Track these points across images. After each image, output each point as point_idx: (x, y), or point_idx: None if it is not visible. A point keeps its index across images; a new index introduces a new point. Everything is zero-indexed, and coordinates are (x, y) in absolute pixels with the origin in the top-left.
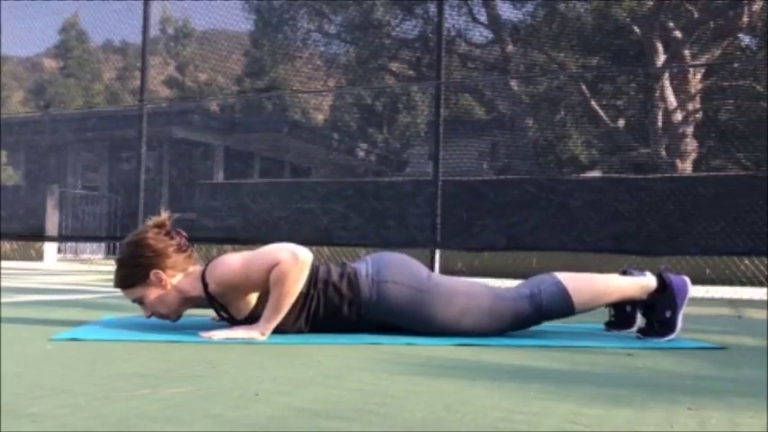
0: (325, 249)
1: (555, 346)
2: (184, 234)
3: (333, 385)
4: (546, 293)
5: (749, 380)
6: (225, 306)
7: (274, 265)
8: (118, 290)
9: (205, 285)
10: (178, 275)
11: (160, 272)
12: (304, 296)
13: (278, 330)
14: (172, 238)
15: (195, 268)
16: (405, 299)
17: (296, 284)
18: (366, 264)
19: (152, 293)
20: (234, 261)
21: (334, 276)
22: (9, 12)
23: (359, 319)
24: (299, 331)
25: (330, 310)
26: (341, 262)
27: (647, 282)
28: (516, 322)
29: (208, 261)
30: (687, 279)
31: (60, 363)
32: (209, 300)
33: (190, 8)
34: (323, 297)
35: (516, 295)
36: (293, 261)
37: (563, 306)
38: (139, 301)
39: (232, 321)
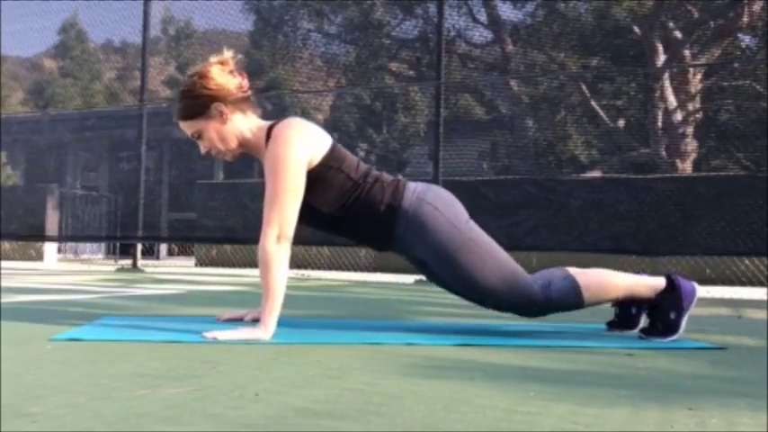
0: (326, 249)
1: (555, 346)
2: (246, 75)
3: (333, 385)
4: (556, 286)
5: (749, 380)
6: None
7: (263, 228)
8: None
9: (269, 138)
10: (238, 114)
11: (222, 105)
12: (352, 184)
13: (313, 212)
14: (235, 76)
15: (256, 116)
16: (439, 228)
17: (275, 276)
18: (417, 184)
19: (212, 127)
20: (284, 173)
21: (386, 178)
22: (9, 12)
23: (389, 228)
24: (333, 217)
25: (368, 206)
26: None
27: (657, 282)
28: (525, 306)
29: (278, 120)
30: (696, 285)
31: (60, 363)
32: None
33: (190, 8)
34: (367, 190)
35: (531, 281)
36: (271, 245)
37: (572, 300)
38: (198, 135)
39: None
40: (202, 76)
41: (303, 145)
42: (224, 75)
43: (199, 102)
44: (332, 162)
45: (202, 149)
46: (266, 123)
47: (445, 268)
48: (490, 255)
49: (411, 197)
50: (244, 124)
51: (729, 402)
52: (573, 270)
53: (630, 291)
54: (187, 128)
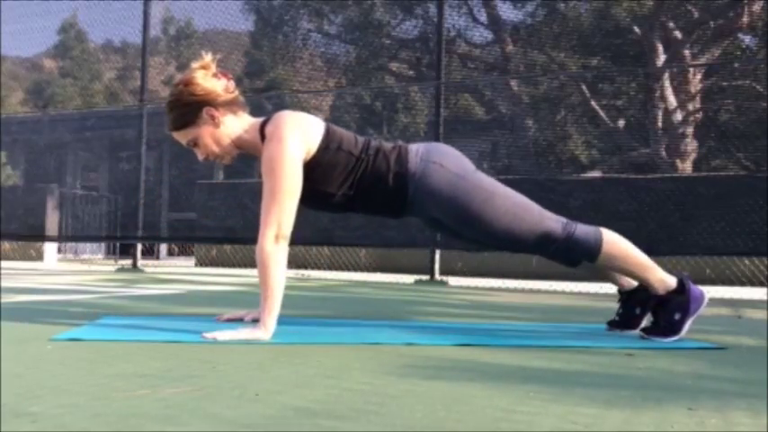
0: (326, 249)
1: (555, 346)
2: (230, 76)
3: (333, 385)
4: (581, 227)
5: (749, 380)
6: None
7: (261, 229)
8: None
9: (263, 136)
10: (228, 115)
11: (212, 109)
12: (355, 160)
13: (324, 196)
14: (219, 78)
15: (246, 114)
16: (447, 182)
17: (273, 276)
18: (419, 145)
19: (206, 132)
20: (280, 171)
21: (386, 147)
22: (9, 12)
23: (400, 195)
24: (345, 196)
25: (376, 177)
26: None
27: (669, 279)
28: (544, 242)
29: (269, 116)
30: (706, 293)
31: (60, 363)
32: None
33: (190, 8)
34: (372, 163)
35: (555, 217)
36: (268, 245)
37: (590, 246)
38: (194, 143)
39: None
40: (188, 83)
41: (297, 141)
42: (209, 79)
43: (189, 109)
44: (331, 144)
45: (200, 156)
46: (258, 120)
47: (460, 220)
48: (501, 197)
49: (415, 159)
50: (237, 125)
51: (729, 402)
52: (603, 228)
53: (644, 273)
54: (182, 137)
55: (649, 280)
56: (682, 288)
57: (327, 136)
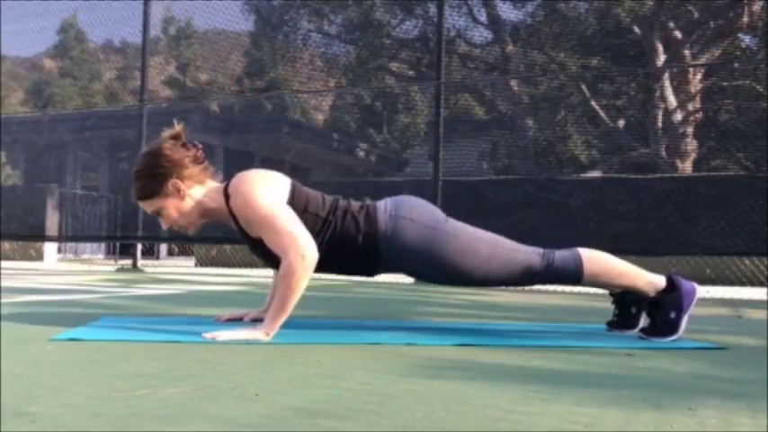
0: None
1: (555, 346)
2: (200, 146)
3: (332, 385)
4: (559, 254)
5: (749, 380)
6: (240, 222)
7: (281, 253)
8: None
9: (227, 197)
10: (195, 186)
11: (178, 181)
12: (322, 222)
13: None
14: (188, 149)
15: (213, 182)
16: (419, 237)
17: (299, 285)
18: (386, 201)
19: (171, 204)
20: (256, 203)
21: (354, 207)
22: (9, 12)
23: (370, 254)
24: None
25: (345, 239)
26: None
27: (657, 279)
28: (525, 276)
29: (231, 176)
30: (696, 285)
31: (60, 363)
32: (229, 213)
33: (190, 8)
34: (340, 224)
35: (530, 250)
36: (299, 261)
37: (572, 270)
38: (158, 213)
39: (246, 238)
40: (155, 154)
41: (265, 187)
42: (177, 149)
43: (155, 180)
44: (297, 205)
45: (164, 226)
46: (222, 185)
47: (438, 271)
48: (476, 242)
49: (384, 217)
50: (203, 195)
51: (729, 402)
52: (580, 248)
53: (632, 281)
54: (146, 207)
55: (638, 286)
56: (672, 286)
57: (293, 196)
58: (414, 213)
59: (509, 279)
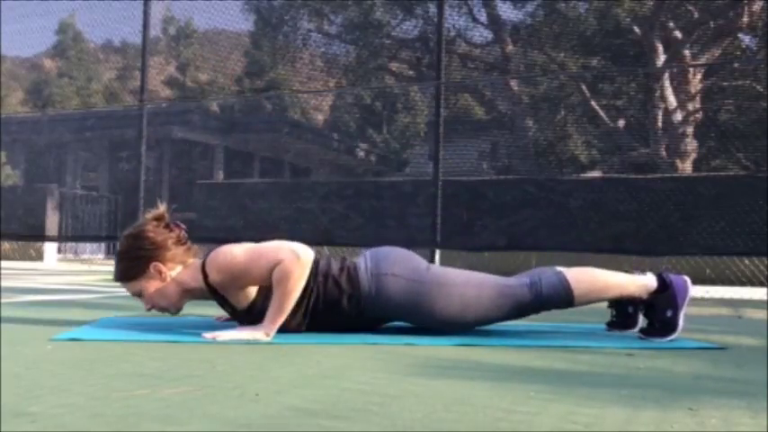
0: (325, 249)
1: (555, 346)
2: (183, 227)
3: (332, 385)
4: (546, 282)
5: (749, 380)
6: (225, 297)
7: (276, 264)
8: (118, 285)
9: (205, 276)
10: (177, 268)
11: (159, 264)
12: (303, 289)
13: (283, 324)
14: (171, 230)
15: (194, 260)
16: (404, 291)
17: (298, 284)
18: (365, 258)
19: (152, 286)
20: (235, 253)
21: (334, 270)
22: (8, 12)
23: (358, 314)
24: (299, 325)
25: (329, 304)
26: (341, 257)
27: (648, 281)
28: (516, 310)
29: (207, 253)
30: (688, 279)
31: (60, 363)
32: (209, 290)
33: (190, 8)
34: (322, 290)
35: (517, 283)
36: (295, 260)
37: (562, 296)
38: (139, 294)
39: (233, 312)
40: (137, 237)
41: (239, 246)
42: (159, 232)
43: (136, 263)
44: None
45: (145, 307)
46: (199, 262)
47: (428, 321)
48: (464, 286)
49: (366, 276)
50: (184, 275)
51: (729, 402)
52: (563, 268)
53: (622, 290)
54: (127, 289)
55: (630, 292)
56: (664, 285)
57: None
58: (395, 268)
59: (502, 316)
